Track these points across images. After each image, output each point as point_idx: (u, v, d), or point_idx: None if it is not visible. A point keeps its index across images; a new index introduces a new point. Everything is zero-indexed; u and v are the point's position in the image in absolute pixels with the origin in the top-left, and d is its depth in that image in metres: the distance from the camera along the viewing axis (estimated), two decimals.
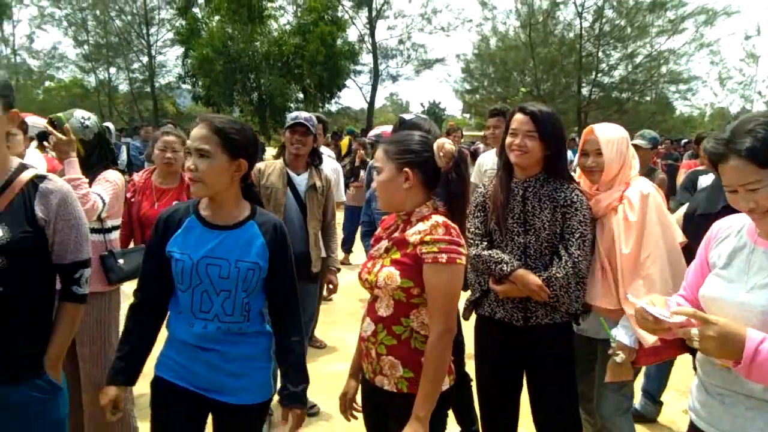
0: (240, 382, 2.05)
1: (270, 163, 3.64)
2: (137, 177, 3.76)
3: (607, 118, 20.35)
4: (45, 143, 3.23)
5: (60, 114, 2.93)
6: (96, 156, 3.02)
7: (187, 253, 1.98)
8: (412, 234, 1.96)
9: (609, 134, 2.57)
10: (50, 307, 2.00)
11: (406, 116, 2.59)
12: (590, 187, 2.64)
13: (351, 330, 5.58)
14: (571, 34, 27.92)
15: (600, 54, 27.69)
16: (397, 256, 1.98)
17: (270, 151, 22.19)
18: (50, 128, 2.85)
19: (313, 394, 3.99)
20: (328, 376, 4.48)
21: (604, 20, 27.01)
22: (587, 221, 2.48)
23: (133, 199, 3.62)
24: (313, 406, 3.87)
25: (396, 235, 2.04)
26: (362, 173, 7.89)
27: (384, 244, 2.07)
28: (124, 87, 36.24)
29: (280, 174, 3.55)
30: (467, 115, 41.09)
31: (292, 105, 26.29)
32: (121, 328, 2.21)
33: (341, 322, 5.77)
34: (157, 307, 2.11)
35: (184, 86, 30.68)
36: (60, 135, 2.78)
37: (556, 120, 2.52)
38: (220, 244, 1.99)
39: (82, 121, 2.95)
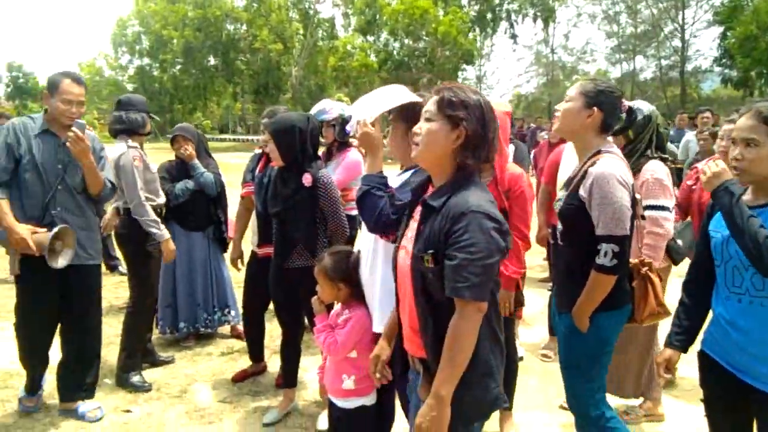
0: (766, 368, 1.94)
1: None
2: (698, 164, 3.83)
3: None
4: None
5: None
6: (644, 145, 3.09)
7: (720, 231, 2.04)
8: None
9: None
10: (587, 270, 2.32)
11: None
12: None
13: None
14: None
15: None
16: None
17: None
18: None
19: None
20: None
21: None
22: None
23: (694, 186, 3.73)
24: None
25: None
26: None
27: None
28: (647, 75, 36.39)
29: None
30: None
31: None
32: None
33: None
34: (706, 282, 2.16)
35: (716, 69, 28.60)
36: None
37: None
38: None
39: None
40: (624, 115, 2.56)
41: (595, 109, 2.38)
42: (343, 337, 2.49)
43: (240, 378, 3.98)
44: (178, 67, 40.38)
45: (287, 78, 39.18)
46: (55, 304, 3.26)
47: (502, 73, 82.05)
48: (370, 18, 34.92)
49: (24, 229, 3.01)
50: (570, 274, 2.45)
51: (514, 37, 38.08)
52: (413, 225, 1.87)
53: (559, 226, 2.48)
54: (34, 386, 3.47)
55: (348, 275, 2.54)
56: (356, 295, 2.55)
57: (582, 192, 2.31)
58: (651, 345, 3.35)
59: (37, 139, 3.14)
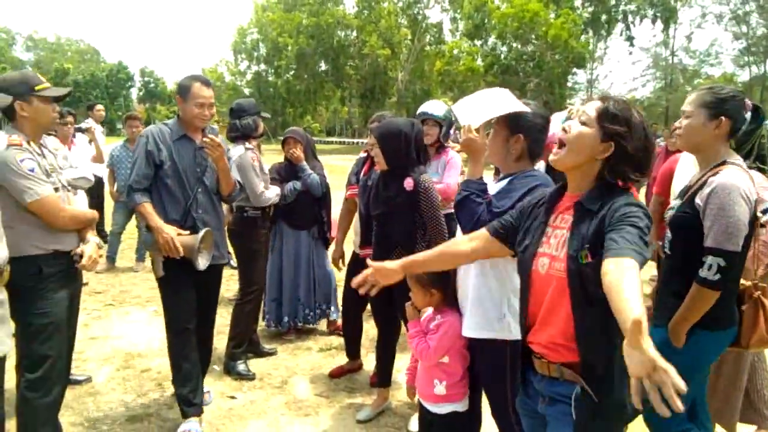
0: None
1: None
2: None
3: None
4: None
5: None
6: (743, 154, 2.81)
7: None
8: None
9: None
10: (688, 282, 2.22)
11: None
12: None
13: None
14: None
15: None
16: None
17: None
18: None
19: None
20: None
21: None
22: None
23: None
24: None
25: None
26: None
27: None
28: None
29: None
30: None
31: None
32: None
33: None
34: None
35: None
36: None
37: None
38: None
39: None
40: (749, 114, 2.37)
41: (723, 118, 2.28)
42: (435, 343, 2.50)
43: (337, 374, 4.10)
44: (292, 72, 42.22)
45: (393, 82, 39.76)
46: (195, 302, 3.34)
47: (616, 77, 78.55)
48: (478, 22, 34.62)
49: (172, 230, 3.09)
50: (670, 286, 2.36)
51: (630, 39, 36.28)
52: (555, 232, 1.78)
53: (668, 234, 2.38)
54: (196, 390, 3.32)
55: (440, 281, 2.55)
56: (449, 301, 2.55)
57: (698, 200, 2.22)
58: (742, 366, 3.01)
59: (176, 145, 3.23)
